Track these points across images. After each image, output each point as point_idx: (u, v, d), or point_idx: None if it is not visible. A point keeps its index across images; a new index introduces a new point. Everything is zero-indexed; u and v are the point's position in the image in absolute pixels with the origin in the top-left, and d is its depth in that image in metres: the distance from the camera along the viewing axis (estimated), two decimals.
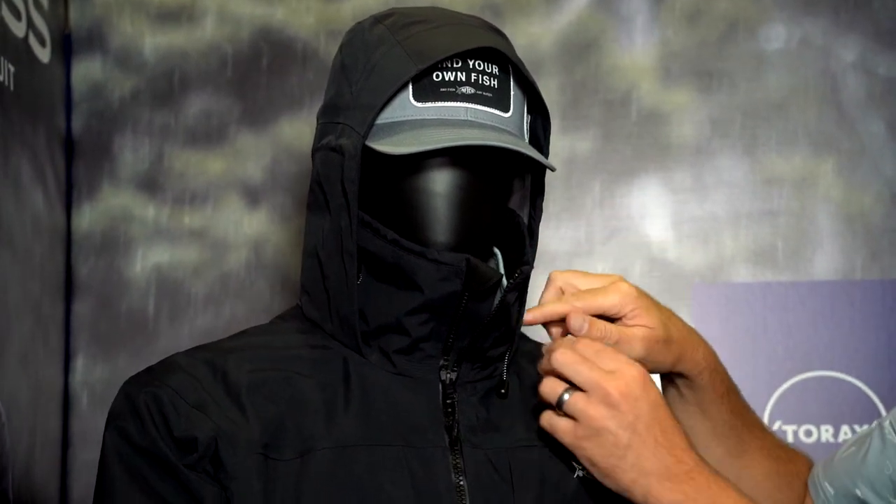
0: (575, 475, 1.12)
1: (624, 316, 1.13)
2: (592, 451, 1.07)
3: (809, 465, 1.31)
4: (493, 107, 1.10)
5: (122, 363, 1.75)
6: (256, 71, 1.80)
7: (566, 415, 1.08)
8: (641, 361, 1.12)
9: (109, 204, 1.79)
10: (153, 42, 1.81)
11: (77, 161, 1.80)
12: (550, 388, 1.07)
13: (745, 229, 1.75)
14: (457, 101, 1.09)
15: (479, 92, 1.09)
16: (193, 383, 1.07)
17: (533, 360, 1.16)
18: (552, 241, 1.75)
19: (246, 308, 1.77)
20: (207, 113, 1.80)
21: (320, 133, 1.12)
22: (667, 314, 1.17)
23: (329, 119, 1.11)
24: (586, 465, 1.08)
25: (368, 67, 1.09)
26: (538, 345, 1.20)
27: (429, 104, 1.08)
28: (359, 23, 1.14)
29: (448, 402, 1.11)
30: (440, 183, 1.09)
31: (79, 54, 1.81)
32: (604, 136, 1.77)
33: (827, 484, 1.24)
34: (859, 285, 1.73)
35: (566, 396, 1.07)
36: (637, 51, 1.77)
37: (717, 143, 1.77)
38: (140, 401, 1.07)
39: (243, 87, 1.80)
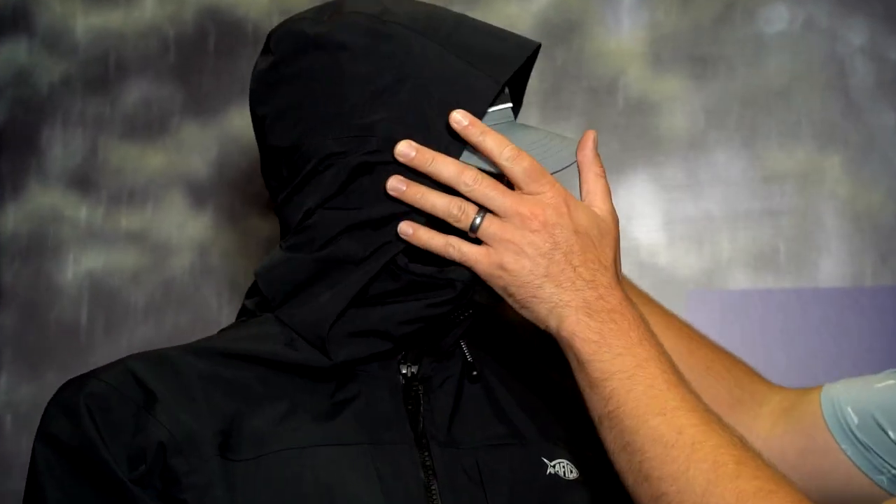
0: (547, 472, 1.17)
1: None
2: (508, 281, 1.10)
3: (738, 362, 1.36)
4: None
5: (50, 380, 1.75)
6: (202, 54, 1.80)
7: (476, 241, 1.11)
8: None
9: (37, 203, 1.79)
10: (86, 22, 1.80)
11: (0, 155, 1.79)
12: (460, 208, 1.11)
13: (743, 230, 1.75)
14: (506, 101, 1.16)
15: (507, 90, 1.17)
16: (139, 381, 1.09)
17: (496, 352, 1.24)
18: None
19: (190, 318, 1.77)
20: (147, 101, 1.80)
21: (343, 145, 1.14)
22: None
23: (357, 133, 1.14)
24: (502, 294, 1.12)
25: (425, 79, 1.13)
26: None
27: (494, 108, 1.15)
28: (353, 22, 1.15)
29: (411, 396, 1.16)
30: None
31: (2, 35, 1.81)
32: (588, 128, 1.63)
33: (850, 410, 1.25)
34: (869, 292, 1.73)
35: (478, 220, 1.11)
36: (624, 34, 1.77)
37: (712, 136, 1.77)
38: (78, 402, 1.07)
39: (187, 72, 1.80)
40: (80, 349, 1.76)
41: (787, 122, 1.76)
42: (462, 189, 1.12)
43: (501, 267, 1.11)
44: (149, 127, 1.80)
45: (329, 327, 1.13)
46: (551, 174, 1.14)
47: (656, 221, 1.77)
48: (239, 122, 1.78)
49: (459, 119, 1.12)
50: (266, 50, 1.19)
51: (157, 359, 1.12)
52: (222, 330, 1.23)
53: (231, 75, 1.79)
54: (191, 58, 1.80)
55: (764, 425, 1.33)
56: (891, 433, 1.23)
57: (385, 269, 1.13)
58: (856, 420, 1.25)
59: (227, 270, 1.78)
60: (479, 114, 1.12)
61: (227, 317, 1.72)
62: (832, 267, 1.74)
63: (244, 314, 1.22)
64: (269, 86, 1.18)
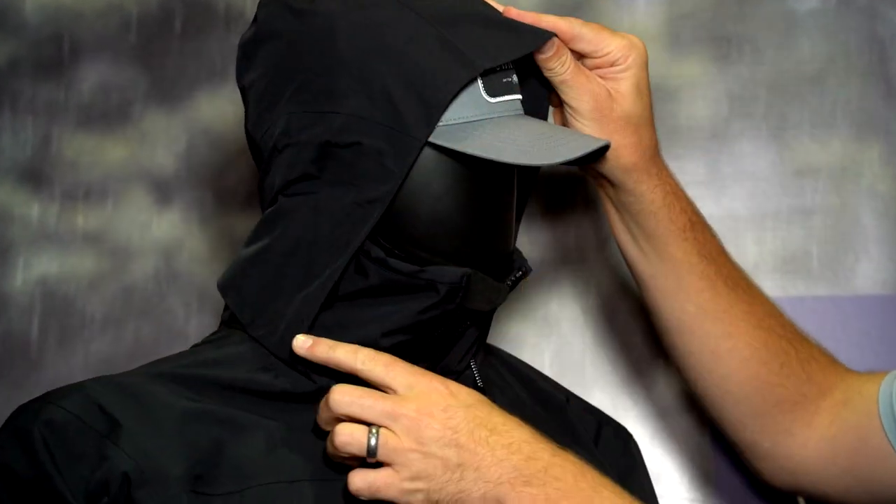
0: None
1: (611, 66, 1.24)
2: (427, 487, 1.08)
3: (816, 352, 1.34)
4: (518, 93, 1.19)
5: None
6: (167, 35, 1.76)
7: (375, 464, 1.09)
8: (577, 119, 1.23)
9: None
10: None
11: None
12: (350, 435, 1.08)
13: (771, 231, 1.70)
14: (513, 93, 1.17)
15: (517, 81, 1.18)
16: (102, 408, 1.09)
17: (511, 369, 1.27)
18: (535, 247, 1.68)
19: (155, 330, 1.72)
20: (105, 87, 1.75)
21: (304, 122, 1.15)
22: (648, 116, 1.28)
23: (321, 108, 1.14)
24: None
25: (408, 57, 1.12)
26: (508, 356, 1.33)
27: (499, 99, 1.15)
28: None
29: None
30: (501, 193, 1.18)
31: None
32: None
33: None
34: None
35: (373, 441, 1.08)
36: (638, 11, 1.72)
37: (736, 126, 1.71)
38: (33, 431, 1.08)
39: (151, 54, 1.75)
40: (30, 364, 1.71)
41: (821, 111, 1.71)
42: (333, 407, 1.09)
43: (414, 479, 1.08)
44: (107, 115, 1.75)
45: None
46: (562, 164, 1.13)
47: None
48: (209, 110, 1.74)
49: (300, 345, 1.12)
50: (254, 18, 1.21)
51: (122, 383, 1.12)
52: (195, 346, 1.22)
53: (200, 58, 1.74)
54: (155, 38, 1.75)
55: (822, 423, 1.32)
56: None
57: (353, 263, 1.13)
58: None
59: (196, 276, 1.72)
60: (442, 102, 1.11)
61: (196, 329, 1.67)
62: (872, 272, 1.69)
63: (222, 328, 1.22)
64: (247, 56, 1.19)
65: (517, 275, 1.19)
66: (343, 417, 1.09)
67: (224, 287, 1.19)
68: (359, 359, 1.10)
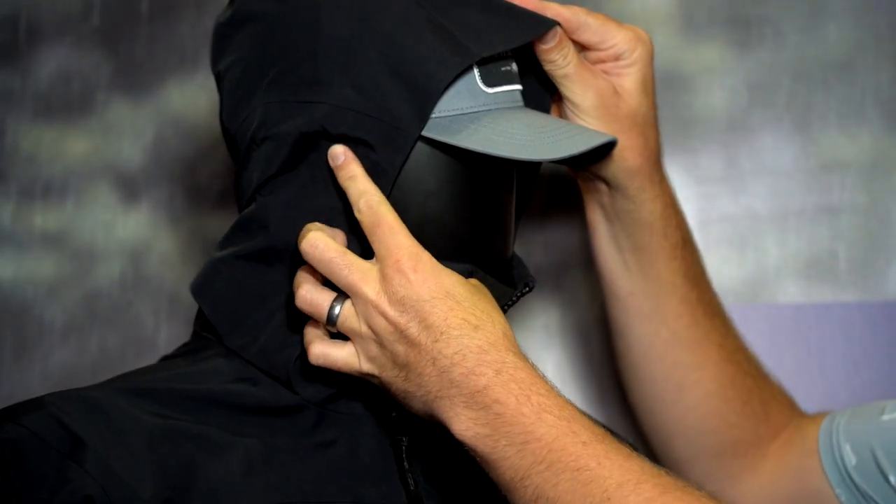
0: None
1: (616, 60, 1.23)
2: (380, 380, 1.09)
3: (777, 391, 1.35)
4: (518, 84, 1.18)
5: None
6: (133, 17, 1.75)
7: (339, 335, 1.10)
8: (580, 117, 1.21)
9: None
10: None
11: None
12: (311, 304, 1.09)
13: (794, 232, 1.68)
14: (513, 82, 1.16)
15: (517, 70, 1.17)
16: (64, 426, 1.08)
17: None
18: (537, 250, 1.67)
19: (120, 339, 1.72)
20: (66, 74, 1.74)
21: (285, 113, 1.14)
22: (653, 116, 1.26)
23: (302, 98, 1.13)
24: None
25: (392, 41, 1.11)
26: None
27: (497, 89, 1.14)
28: None
29: (401, 443, 1.15)
30: (504, 189, 1.17)
31: None
32: None
33: (849, 449, 1.24)
34: None
35: (336, 310, 1.09)
36: None
37: (757, 116, 1.69)
38: None
39: (116, 38, 1.74)
40: None
41: (850, 100, 1.68)
42: (305, 253, 1.09)
43: (369, 363, 1.09)
44: (68, 105, 1.74)
45: (293, 361, 1.13)
46: (565, 160, 1.15)
47: (689, 221, 1.60)
48: (179, 99, 1.73)
49: (336, 155, 1.11)
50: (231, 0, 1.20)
51: (86, 398, 1.10)
52: (166, 358, 1.22)
53: (170, 42, 1.73)
54: (120, 21, 1.74)
55: (766, 467, 1.33)
56: (891, 477, 1.21)
57: None
58: (854, 460, 1.24)
59: (166, 281, 1.71)
60: (434, 92, 1.10)
61: (165, 338, 1.67)
62: None
63: (195, 339, 1.22)
64: (223, 40, 1.18)
65: (524, 290, 1.18)
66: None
67: (198, 291, 1.18)
68: (359, 205, 1.08)
